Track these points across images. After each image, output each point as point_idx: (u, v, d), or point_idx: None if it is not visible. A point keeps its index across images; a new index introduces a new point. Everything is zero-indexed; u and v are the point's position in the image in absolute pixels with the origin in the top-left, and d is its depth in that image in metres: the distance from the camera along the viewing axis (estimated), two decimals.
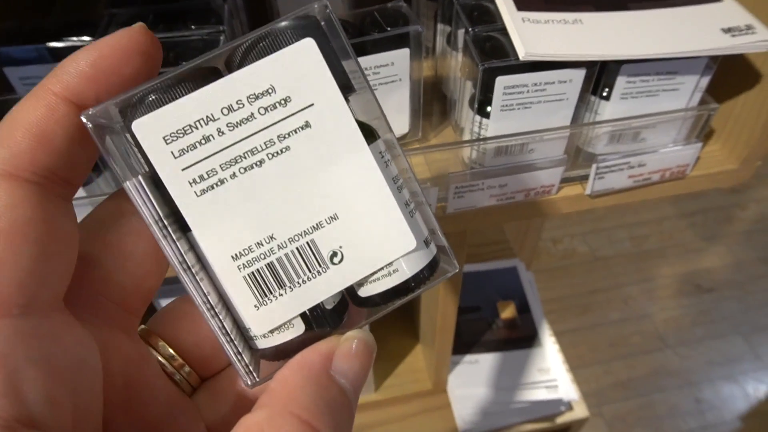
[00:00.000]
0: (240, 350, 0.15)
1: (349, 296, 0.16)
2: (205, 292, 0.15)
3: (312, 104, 0.14)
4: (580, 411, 0.63)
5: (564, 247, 1.44)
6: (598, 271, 1.39)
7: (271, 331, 0.15)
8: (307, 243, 0.15)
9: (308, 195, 0.15)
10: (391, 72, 0.34)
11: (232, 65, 0.15)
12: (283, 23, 0.14)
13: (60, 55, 0.34)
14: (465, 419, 0.62)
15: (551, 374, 0.64)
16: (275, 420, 0.13)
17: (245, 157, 0.14)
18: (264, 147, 0.14)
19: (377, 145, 0.15)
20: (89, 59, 0.13)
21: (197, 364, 0.18)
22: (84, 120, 0.13)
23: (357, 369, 0.15)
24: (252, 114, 0.14)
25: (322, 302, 0.15)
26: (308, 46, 0.14)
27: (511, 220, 0.38)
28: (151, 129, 0.14)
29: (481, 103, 0.33)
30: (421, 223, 0.16)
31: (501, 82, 0.31)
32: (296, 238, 0.15)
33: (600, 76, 0.33)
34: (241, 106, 0.14)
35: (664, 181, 0.38)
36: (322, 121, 0.14)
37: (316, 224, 0.15)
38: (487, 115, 0.33)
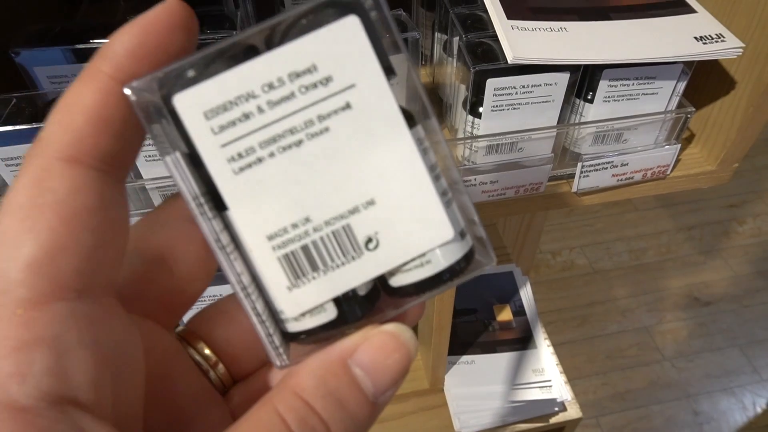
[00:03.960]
0: (271, 332, 0.15)
1: (380, 284, 0.16)
2: (238, 272, 0.15)
3: (353, 85, 0.14)
4: (573, 411, 0.64)
5: (563, 260, 1.46)
6: (597, 284, 1.41)
7: (303, 314, 0.15)
8: (343, 227, 0.15)
9: (346, 178, 0.14)
10: None
11: (272, 43, 0.14)
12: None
13: (85, 55, 0.36)
14: (461, 418, 0.63)
15: (545, 375, 0.66)
16: (280, 395, 0.14)
17: (284, 137, 0.14)
18: (304, 127, 0.14)
19: (417, 131, 0.15)
20: (135, 37, 0.13)
21: (230, 363, 0.18)
22: (128, 93, 0.13)
23: (380, 362, 0.14)
24: (293, 93, 0.14)
25: (355, 288, 0.15)
26: (352, 24, 0.14)
27: (503, 216, 0.41)
28: (191, 104, 0.14)
29: (473, 104, 0.36)
30: (459, 213, 0.16)
31: (491, 83, 0.34)
32: (332, 221, 0.15)
33: (584, 80, 0.36)
34: (282, 83, 0.14)
35: (646, 180, 0.40)
36: (363, 102, 0.14)
37: (353, 208, 0.15)
38: (478, 115, 0.36)
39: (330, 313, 0.15)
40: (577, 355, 1.28)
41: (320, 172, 0.14)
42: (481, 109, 0.36)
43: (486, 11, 0.37)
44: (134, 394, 0.15)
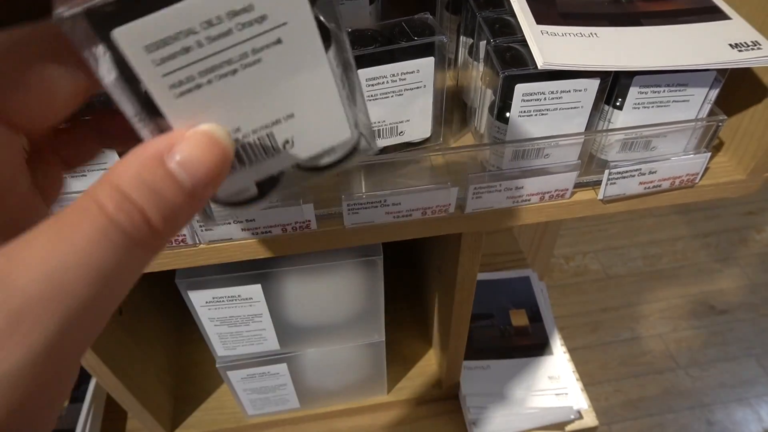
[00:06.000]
0: None
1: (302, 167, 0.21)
2: None
3: (285, 23, 0.16)
4: (589, 419, 0.64)
5: (576, 264, 1.45)
6: (610, 290, 1.39)
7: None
8: (267, 134, 0.18)
9: (272, 98, 0.17)
10: (416, 79, 0.36)
11: None
12: None
13: None
14: (475, 424, 0.63)
15: (561, 382, 0.65)
16: (100, 186, 0.15)
17: (221, 67, 0.16)
18: (239, 59, 0.16)
19: (332, 50, 0.17)
20: None
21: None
22: (58, 21, 0.14)
23: (194, 158, 0.16)
24: (230, 29, 0.15)
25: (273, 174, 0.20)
26: None
27: (527, 222, 0.40)
28: (132, 38, 0.15)
29: (501, 110, 0.35)
30: (354, 110, 0.19)
31: (520, 89, 0.34)
32: (258, 130, 0.18)
33: (613, 86, 0.35)
34: (220, 21, 0.15)
35: (674, 188, 0.39)
36: (292, 38, 0.16)
37: (275, 120, 0.18)
38: (505, 121, 0.36)
39: (252, 192, 0.20)
40: (589, 361, 1.27)
41: (251, 94, 0.17)
42: (508, 115, 0.35)
43: (514, 15, 0.37)
44: None
